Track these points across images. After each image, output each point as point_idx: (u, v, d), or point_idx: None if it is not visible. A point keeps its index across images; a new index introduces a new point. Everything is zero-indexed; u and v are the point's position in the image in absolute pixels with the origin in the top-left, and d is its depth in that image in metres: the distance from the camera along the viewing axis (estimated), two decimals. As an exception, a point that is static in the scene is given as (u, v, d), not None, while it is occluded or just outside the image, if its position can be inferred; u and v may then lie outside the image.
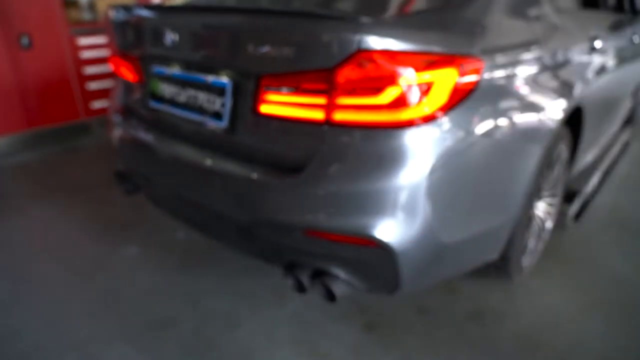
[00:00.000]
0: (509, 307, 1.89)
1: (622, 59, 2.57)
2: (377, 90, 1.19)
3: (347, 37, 1.16)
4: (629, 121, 3.68)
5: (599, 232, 2.47)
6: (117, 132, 1.90)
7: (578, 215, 2.59)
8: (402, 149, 1.21)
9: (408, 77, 1.18)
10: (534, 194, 1.72)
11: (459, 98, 1.27)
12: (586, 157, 2.55)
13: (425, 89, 1.21)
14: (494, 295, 1.95)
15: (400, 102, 1.19)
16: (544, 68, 1.61)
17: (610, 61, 2.31)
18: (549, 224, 2.14)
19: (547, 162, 1.76)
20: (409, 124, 1.20)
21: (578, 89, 1.85)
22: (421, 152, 1.22)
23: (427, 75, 1.20)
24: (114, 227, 2.54)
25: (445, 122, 1.24)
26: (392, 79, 1.18)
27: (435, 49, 1.22)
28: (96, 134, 4.23)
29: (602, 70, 2.19)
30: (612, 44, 2.35)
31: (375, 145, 1.22)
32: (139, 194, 2.08)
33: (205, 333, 1.77)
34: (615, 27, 2.55)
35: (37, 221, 2.63)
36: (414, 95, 1.20)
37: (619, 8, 2.87)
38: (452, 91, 1.25)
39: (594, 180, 2.71)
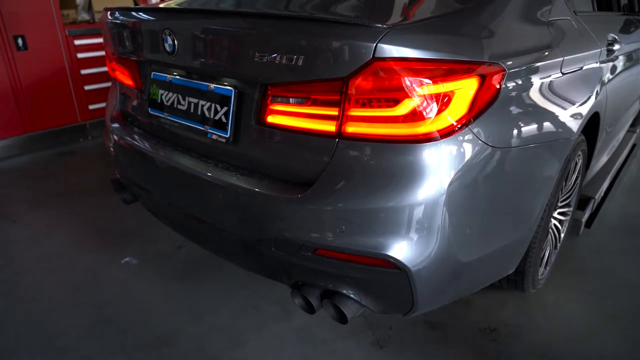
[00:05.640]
0: (524, 321, 1.82)
1: (635, 60, 2.50)
2: (394, 101, 1.11)
3: (362, 45, 1.08)
4: (634, 123, 3.61)
5: (611, 239, 2.40)
6: (113, 140, 1.82)
7: (589, 222, 2.52)
8: (419, 165, 1.13)
9: (427, 87, 1.11)
10: (552, 205, 1.65)
11: (479, 109, 1.19)
12: (599, 163, 2.48)
13: (445, 101, 1.13)
14: (507, 308, 1.88)
15: (417, 115, 1.11)
16: (563, 74, 1.53)
17: (625, 63, 2.25)
18: (563, 234, 2.07)
19: (565, 172, 1.69)
20: (427, 137, 1.13)
21: (596, 94, 1.78)
22: (439, 167, 1.14)
23: (446, 86, 1.12)
24: (111, 235, 2.46)
25: (464, 135, 1.16)
26: (409, 90, 1.10)
27: (455, 57, 1.14)
28: (94, 137, 4.14)
29: (617, 73, 2.12)
30: (627, 46, 2.29)
31: (391, 160, 1.14)
32: (137, 202, 2.00)
33: (209, 350, 1.69)
34: (629, 29, 2.49)
35: (34, 229, 2.55)
36: (432, 108, 1.12)
37: (630, 9, 2.81)
38: (472, 102, 1.17)
39: (604, 185, 2.64)
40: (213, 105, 1.43)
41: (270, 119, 1.29)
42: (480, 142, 1.19)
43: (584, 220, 2.30)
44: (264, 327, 1.80)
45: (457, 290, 1.42)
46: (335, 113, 1.17)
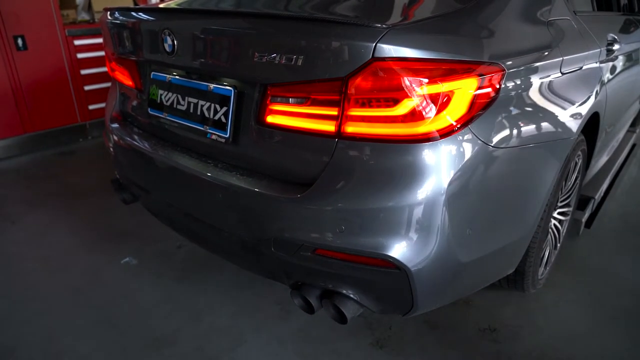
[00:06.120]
0: (524, 321, 1.81)
1: (635, 60, 2.50)
2: (393, 101, 1.11)
3: (362, 45, 1.08)
4: (634, 123, 3.61)
5: (610, 239, 2.40)
6: (113, 140, 1.82)
7: (589, 222, 2.51)
8: (418, 164, 1.13)
9: (426, 87, 1.10)
10: (552, 205, 1.64)
11: (479, 109, 1.19)
12: (599, 163, 2.48)
13: (444, 100, 1.13)
14: (507, 308, 1.88)
15: (417, 115, 1.11)
16: (563, 74, 1.53)
17: (624, 63, 2.25)
18: (563, 234, 2.07)
19: (565, 172, 1.68)
20: (426, 137, 1.12)
21: (596, 94, 1.77)
22: (439, 167, 1.14)
23: (446, 86, 1.12)
24: (111, 236, 2.46)
25: (464, 135, 1.16)
26: (409, 90, 1.10)
27: (454, 56, 1.14)
28: (94, 137, 4.14)
29: (617, 73, 2.12)
30: (627, 46, 2.29)
31: (390, 160, 1.14)
32: (137, 202, 2.00)
33: (208, 351, 1.69)
34: (629, 29, 2.49)
35: (33, 229, 2.55)
36: (432, 107, 1.12)
37: (630, 9, 2.81)
38: (471, 102, 1.17)
39: (604, 185, 2.64)
40: (213, 105, 1.43)
41: (270, 119, 1.29)
42: (479, 142, 1.19)
43: (584, 220, 2.30)
44: (264, 327, 1.80)
45: (457, 290, 1.42)
46: (335, 113, 1.17)
